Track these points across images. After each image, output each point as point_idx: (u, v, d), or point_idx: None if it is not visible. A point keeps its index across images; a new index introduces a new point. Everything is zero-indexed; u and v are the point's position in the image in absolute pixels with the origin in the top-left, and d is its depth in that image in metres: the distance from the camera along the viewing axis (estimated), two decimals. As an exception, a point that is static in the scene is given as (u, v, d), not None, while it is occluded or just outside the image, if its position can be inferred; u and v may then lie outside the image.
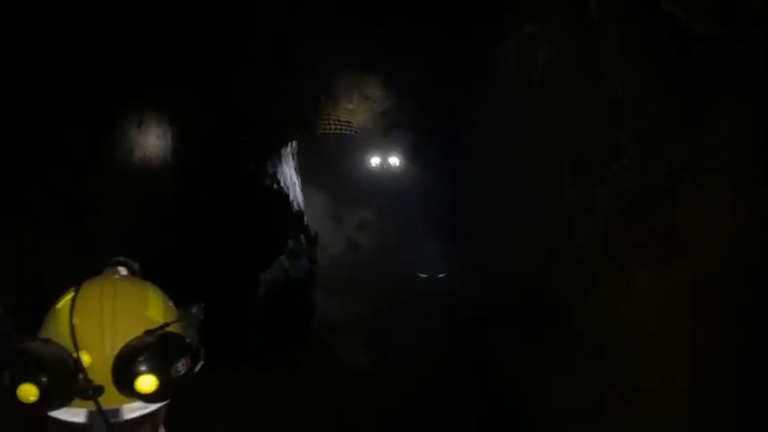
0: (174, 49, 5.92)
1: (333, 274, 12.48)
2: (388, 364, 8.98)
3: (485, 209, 7.67)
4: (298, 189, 10.53)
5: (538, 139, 5.35)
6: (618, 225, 3.91)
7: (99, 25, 4.94)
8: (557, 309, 4.90)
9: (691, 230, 3.17)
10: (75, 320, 1.08)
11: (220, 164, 7.17)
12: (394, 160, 15.78)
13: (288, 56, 7.27)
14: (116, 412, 1.09)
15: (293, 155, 10.53)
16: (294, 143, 10.31)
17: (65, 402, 1.06)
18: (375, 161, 16.04)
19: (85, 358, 1.06)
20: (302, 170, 11.06)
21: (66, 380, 1.04)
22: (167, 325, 1.15)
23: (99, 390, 1.06)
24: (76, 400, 1.07)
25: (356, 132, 8.98)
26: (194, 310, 1.26)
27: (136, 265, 1.32)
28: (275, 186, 9.10)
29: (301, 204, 10.60)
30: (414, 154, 13.10)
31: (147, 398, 1.08)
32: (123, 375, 1.06)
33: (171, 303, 1.25)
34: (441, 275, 12.96)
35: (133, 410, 1.11)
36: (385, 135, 9.48)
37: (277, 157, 9.32)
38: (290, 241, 10.08)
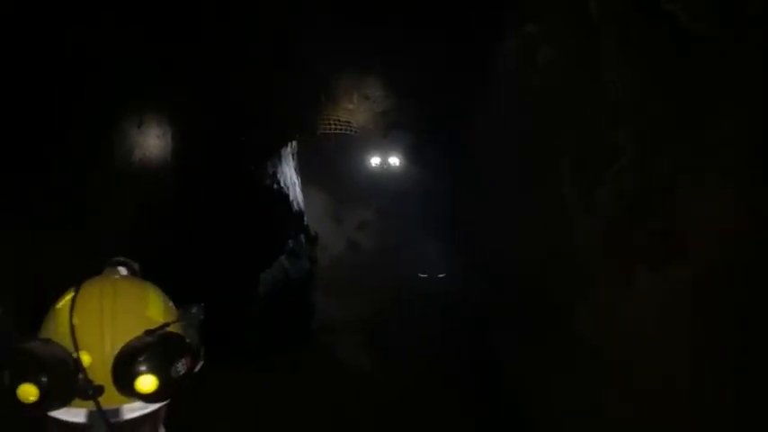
0: (173, 49, 5.92)
1: (333, 274, 12.48)
2: (387, 364, 8.98)
3: (485, 209, 7.67)
4: (298, 189, 10.53)
5: (538, 139, 5.35)
6: (618, 225, 3.91)
7: (99, 25, 4.94)
8: (557, 309, 4.90)
9: (691, 230, 3.17)
10: (76, 320, 1.08)
11: (220, 164, 7.17)
12: (394, 160, 15.78)
13: (288, 56, 7.27)
14: (116, 412, 1.09)
15: (293, 155, 10.53)
16: (294, 143, 10.31)
17: (65, 402, 1.06)
18: (375, 161, 16.05)
19: (85, 358, 1.07)
20: (302, 170, 11.06)
21: (66, 380, 1.04)
22: (167, 325, 1.15)
23: (99, 390, 1.07)
24: (76, 400, 1.07)
25: (356, 132, 8.98)
26: (194, 310, 1.27)
27: (136, 265, 1.32)
28: (275, 186, 9.10)
29: (301, 204, 10.60)
30: (414, 154, 13.10)
31: (147, 398, 1.08)
32: (123, 375, 1.06)
33: (171, 303, 1.25)
34: (441, 275, 12.95)
35: (133, 410, 1.11)
36: (385, 135, 9.48)
37: (277, 157, 9.32)
38: (289, 241, 10.08)
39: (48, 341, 1.08)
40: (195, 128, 6.61)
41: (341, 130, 8.80)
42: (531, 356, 5.81)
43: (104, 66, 5.02)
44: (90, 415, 1.08)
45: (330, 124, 8.69)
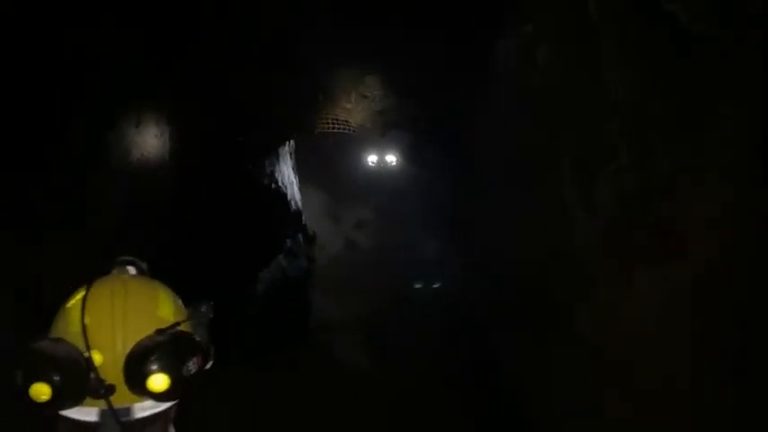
0: (173, 48, 5.92)
1: (331, 273, 12.48)
2: (386, 363, 8.99)
3: (485, 209, 7.68)
4: (296, 188, 10.54)
5: (538, 139, 5.35)
6: (618, 225, 3.92)
7: (99, 25, 4.93)
8: (557, 309, 4.91)
9: (691, 230, 3.17)
10: (87, 320, 1.09)
11: (219, 163, 7.16)
12: (392, 159, 15.78)
13: (287, 56, 7.26)
14: (127, 411, 1.10)
15: (291, 154, 10.53)
16: (292, 142, 10.31)
17: (77, 401, 1.07)
18: (373, 160, 16.05)
19: (97, 357, 1.07)
20: (300, 169, 11.06)
21: (78, 379, 1.05)
22: (178, 324, 1.16)
23: (111, 389, 1.07)
24: (88, 399, 1.08)
25: (354, 131, 8.98)
26: (204, 308, 1.27)
27: (144, 265, 1.33)
28: (273, 186, 9.10)
29: (299, 203, 10.60)
30: (412, 153, 13.10)
31: (159, 397, 1.09)
32: (135, 374, 1.07)
33: (180, 302, 1.26)
34: (436, 286, 12.70)
35: (144, 409, 1.12)
36: (383, 134, 9.48)
37: (275, 156, 9.31)
38: (288, 240, 10.08)
39: (59, 340, 1.09)
40: (194, 127, 6.60)
41: (339, 128, 8.80)
42: (531, 356, 5.82)
43: (104, 66, 5.01)
44: (101, 414, 1.08)
45: (328, 123, 8.69)
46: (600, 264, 4.18)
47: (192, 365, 1.11)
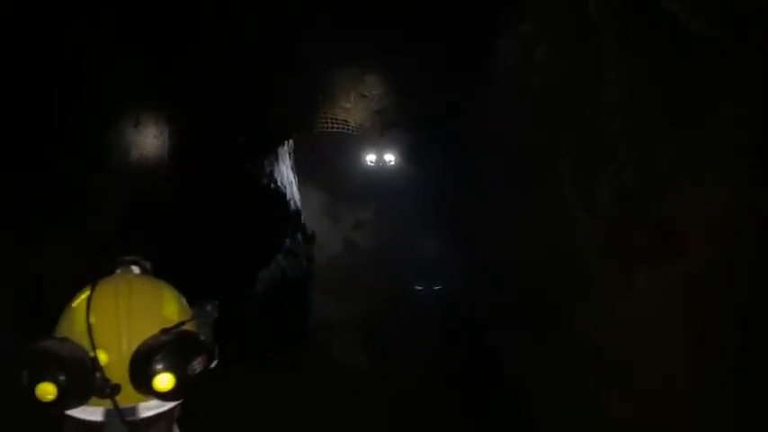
0: (173, 49, 5.91)
1: (329, 273, 12.46)
2: (384, 363, 8.98)
3: (485, 209, 7.68)
4: (294, 188, 10.53)
5: (538, 139, 5.36)
6: (618, 225, 3.92)
7: (99, 25, 4.92)
8: (557, 309, 4.91)
9: (691, 230, 3.18)
10: (92, 320, 1.09)
11: (218, 163, 7.16)
12: (391, 158, 15.77)
13: (288, 56, 7.26)
14: (132, 410, 1.10)
15: (290, 153, 10.52)
16: (291, 141, 10.30)
17: (82, 401, 1.07)
18: (372, 159, 16.03)
19: (102, 357, 1.08)
20: (299, 169, 11.05)
21: (83, 378, 1.05)
22: (183, 323, 1.16)
23: (116, 388, 1.08)
24: (93, 399, 1.08)
25: (353, 131, 8.98)
26: (208, 308, 1.28)
27: (148, 264, 1.33)
28: (272, 185, 9.09)
29: (298, 203, 10.60)
30: (411, 152, 13.09)
31: (164, 396, 1.09)
32: (140, 374, 1.07)
33: (185, 301, 1.26)
34: (437, 288, 12.68)
35: (149, 409, 1.12)
36: (382, 133, 9.48)
37: (274, 155, 9.31)
38: (287, 240, 10.08)
39: (64, 340, 1.09)
40: (193, 127, 6.60)
41: (338, 128, 8.80)
42: (531, 356, 5.82)
43: (104, 66, 5.01)
44: (107, 413, 1.09)
45: (327, 122, 8.69)
46: (600, 264, 4.18)
47: (196, 365, 1.11)
